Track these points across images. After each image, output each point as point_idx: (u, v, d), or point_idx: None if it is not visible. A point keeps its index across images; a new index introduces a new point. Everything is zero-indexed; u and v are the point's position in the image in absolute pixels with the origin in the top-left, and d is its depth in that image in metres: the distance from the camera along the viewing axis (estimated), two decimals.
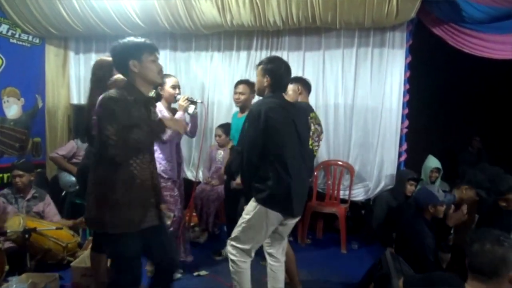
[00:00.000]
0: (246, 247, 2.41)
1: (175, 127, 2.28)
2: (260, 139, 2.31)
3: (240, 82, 3.58)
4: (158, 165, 3.01)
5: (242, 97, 3.48)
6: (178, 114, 3.06)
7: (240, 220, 2.44)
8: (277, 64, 2.47)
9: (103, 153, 1.94)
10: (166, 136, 3.00)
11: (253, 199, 2.39)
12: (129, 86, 2.03)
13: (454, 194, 3.27)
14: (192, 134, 3.37)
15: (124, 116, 1.90)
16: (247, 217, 2.40)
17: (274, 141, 2.32)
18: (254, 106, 2.44)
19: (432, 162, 4.04)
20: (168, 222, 2.33)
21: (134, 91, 2.00)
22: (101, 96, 2.00)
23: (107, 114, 1.90)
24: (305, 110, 2.95)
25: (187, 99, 3.07)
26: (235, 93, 3.54)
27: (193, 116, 3.23)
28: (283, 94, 2.57)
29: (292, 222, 2.53)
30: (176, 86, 3.16)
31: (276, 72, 2.44)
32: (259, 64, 2.51)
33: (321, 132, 3.30)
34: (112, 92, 1.96)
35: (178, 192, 3.22)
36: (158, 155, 3.09)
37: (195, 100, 3.15)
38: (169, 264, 2.23)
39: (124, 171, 1.96)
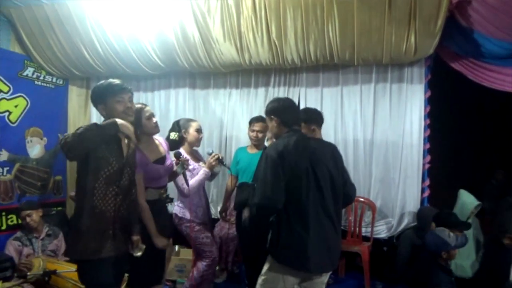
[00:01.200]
0: None
1: (123, 127, 2.14)
2: (281, 182, 2.14)
3: (256, 120, 3.60)
4: (191, 213, 3.08)
5: (261, 135, 3.52)
6: (204, 171, 3.09)
7: (258, 279, 2.30)
8: (275, 101, 2.47)
9: (77, 181, 2.14)
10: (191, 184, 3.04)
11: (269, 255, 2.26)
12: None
13: (465, 235, 3.19)
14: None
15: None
16: (263, 277, 2.26)
17: (290, 187, 2.15)
18: (272, 146, 2.32)
19: (471, 198, 3.87)
20: (138, 254, 2.36)
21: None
22: None
23: None
24: (334, 149, 2.47)
25: (217, 159, 3.09)
26: (253, 130, 3.56)
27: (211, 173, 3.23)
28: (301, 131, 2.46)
29: (320, 279, 2.28)
30: (199, 130, 3.23)
31: (278, 108, 2.41)
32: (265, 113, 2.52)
33: None
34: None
35: (210, 233, 3.29)
36: (190, 201, 3.15)
37: (224, 162, 3.18)
38: None
39: (88, 199, 2.07)
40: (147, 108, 2.70)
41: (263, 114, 3.95)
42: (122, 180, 2.18)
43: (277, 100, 2.49)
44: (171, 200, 2.97)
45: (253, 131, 3.56)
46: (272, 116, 2.41)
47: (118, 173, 2.16)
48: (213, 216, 4.44)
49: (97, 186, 2.08)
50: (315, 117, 3.17)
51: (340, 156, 2.44)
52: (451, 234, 2.99)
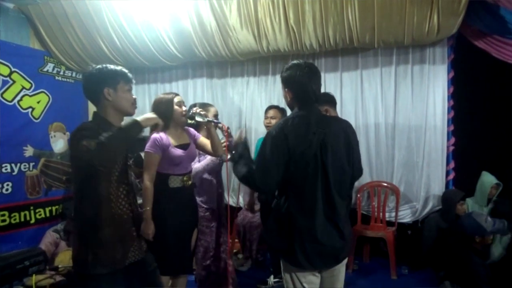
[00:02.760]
0: None
1: (147, 122, 1.93)
2: (279, 164, 1.85)
3: (270, 107, 3.68)
4: (197, 196, 3.04)
5: (274, 121, 3.51)
6: (210, 158, 2.99)
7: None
8: (294, 70, 1.95)
9: (82, 188, 1.88)
10: (200, 166, 3.02)
11: None
12: (98, 119, 1.92)
13: (503, 221, 3.11)
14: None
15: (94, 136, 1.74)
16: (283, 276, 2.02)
17: (292, 172, 1.87)
18: (275, 125, 1.97)
19: (491, 177, 3.77)
20: None
21: (103, 123, 1.89)
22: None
23: (76, 140, 1.75)
24: (349, 128, 2.07)
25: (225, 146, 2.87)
26: (266, 117, 3.62)
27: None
28: (316, 106, 2.05)
29: (337, 268, 2.01)
30: (217, 116, 3.20)
31: (295, 80, 1.94)
32: None
33: None
34: (80, 126, 1.84)
35: (215, 223, 3.16)
36: (200, 186, 3.10)
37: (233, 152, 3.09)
38: None
39: (102, 205, 1.85)
40: (178, 97, 2.70)
41: (282, 102, 3.98)
42: (129, 177, 2.00)
43: (293, 67, 1.97)
44: (195, 186, 2.90)
45: (266, 117, 3.58)
46: (286, 88, 2.02)
47: (125, 171, 1.97)
48: (234, 205, 4.50)
49: (111, 191, 1.88)
50: (327, 99, 3.12)
51: (353, 135, 2.07)
52: (489, 219, 2.92)
